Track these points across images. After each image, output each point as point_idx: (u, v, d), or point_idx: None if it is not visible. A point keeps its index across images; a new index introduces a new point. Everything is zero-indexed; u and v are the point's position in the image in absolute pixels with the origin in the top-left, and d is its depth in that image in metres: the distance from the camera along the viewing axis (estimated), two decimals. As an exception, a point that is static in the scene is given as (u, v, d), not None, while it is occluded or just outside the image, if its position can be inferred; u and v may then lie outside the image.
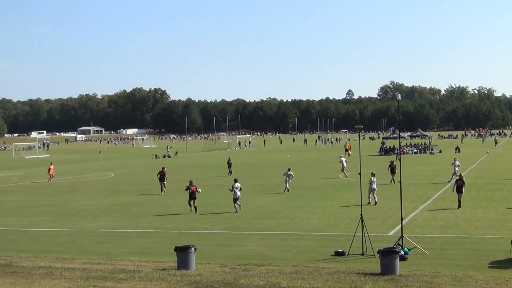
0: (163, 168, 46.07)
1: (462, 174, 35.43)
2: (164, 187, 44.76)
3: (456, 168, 46.88)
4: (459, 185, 33.02)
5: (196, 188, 34.09)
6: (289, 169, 43.60)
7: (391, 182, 45.88)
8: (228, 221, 30.65)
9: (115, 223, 31.27)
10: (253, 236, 26.13)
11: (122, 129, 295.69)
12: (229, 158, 62.77)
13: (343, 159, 55.20)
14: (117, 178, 60.28)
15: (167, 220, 31.74)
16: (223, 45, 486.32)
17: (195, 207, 33.73)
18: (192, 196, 33.88)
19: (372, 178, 35.20)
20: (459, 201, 32.58)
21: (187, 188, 34.37)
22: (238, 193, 33.98)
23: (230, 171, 59.51)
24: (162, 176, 44.91)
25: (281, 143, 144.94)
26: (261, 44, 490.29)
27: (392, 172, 46.89)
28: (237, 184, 34.31)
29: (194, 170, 67.45)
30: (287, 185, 42.94)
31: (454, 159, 48.84)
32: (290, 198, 39.40)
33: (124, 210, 36.21)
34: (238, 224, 29.49)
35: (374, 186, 35.22)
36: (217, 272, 18.01)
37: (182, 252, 18.76)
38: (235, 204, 33.86)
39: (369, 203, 34.39)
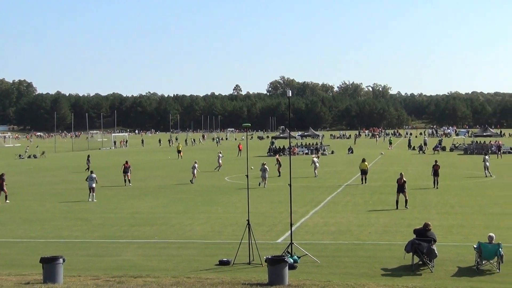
0: (126, 161, 53.11)
1: (403, 173, 36.23)
2: (128, 178, 51.46)
3: (317, 165, 55.34)
4: (400, 185, 35.13)
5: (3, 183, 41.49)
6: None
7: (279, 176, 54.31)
8: (101, 228, 30.20)
9: (-29, 232, 30.10)
10: (129, 245, 25.83)
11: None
12: (88, 155, 73.09)
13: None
14: (-26, 181, 57.85)
15: (32, 228, 30.87)
16: (96, 33, 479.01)
17: None
18: None
19: (264, 166, 46.07)
20: (406, 200, 35.08)
21: None
22: (94, 184, 40.54)
23: (89, 167, 65.28)
24: (125, 168, 51.60)
25: (169, 142, 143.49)
26: (139, 33, 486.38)
27: (279, 165, 55.63)
28: (93, 175, 41.23)
29: (64, 171, 65.99)
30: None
31: (313, 159, 56.95)
32: (171, 203, 39.28)
33: (-18, 217, 34.93)
34: (113, 232, 29.11)
35: (266, 174, 46.19)
36: (89, 285, 17.74)
37: (49, 264, 18.33)
38: (92, 194, 40.50)
39: (259, 184, 46.13)
